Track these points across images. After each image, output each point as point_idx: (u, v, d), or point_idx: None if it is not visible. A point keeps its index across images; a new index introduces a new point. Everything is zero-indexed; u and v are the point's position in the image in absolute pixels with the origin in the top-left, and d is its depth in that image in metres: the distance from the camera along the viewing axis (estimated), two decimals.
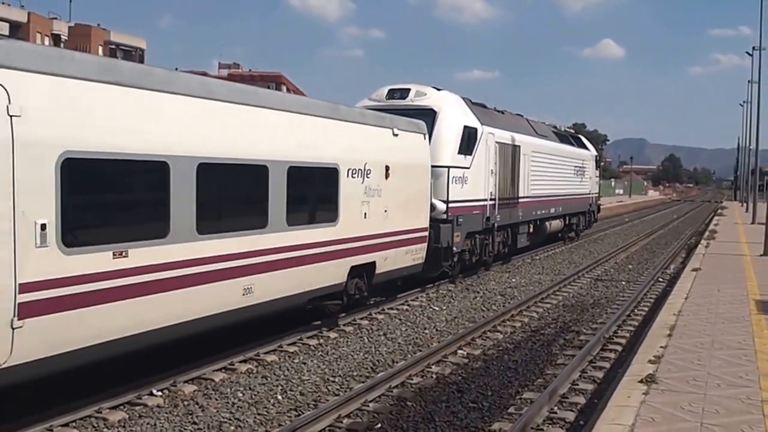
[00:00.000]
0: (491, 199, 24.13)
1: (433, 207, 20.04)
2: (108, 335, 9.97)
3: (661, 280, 24.99)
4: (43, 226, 8.96)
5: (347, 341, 15.08)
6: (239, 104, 12.61)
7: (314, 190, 15.06)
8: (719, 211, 71.89)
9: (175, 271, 10.99)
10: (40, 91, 9.04)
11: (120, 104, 10.17)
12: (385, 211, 17.07)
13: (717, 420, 8.57)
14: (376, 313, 17.64)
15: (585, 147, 40.26)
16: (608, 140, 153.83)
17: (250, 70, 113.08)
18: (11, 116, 8.62)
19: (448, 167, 20.90)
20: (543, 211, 30.65)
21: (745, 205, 76.16)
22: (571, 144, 36.98)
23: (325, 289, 15.11)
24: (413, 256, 18.73)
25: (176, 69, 13.67)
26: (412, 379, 12.56)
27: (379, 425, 10.34)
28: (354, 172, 15.80)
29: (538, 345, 15.47)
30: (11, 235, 8.61)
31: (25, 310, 8.80)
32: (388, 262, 17.37)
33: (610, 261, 30.65)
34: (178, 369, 12.02)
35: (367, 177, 16.29)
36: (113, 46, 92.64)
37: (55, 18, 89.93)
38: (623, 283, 24.50)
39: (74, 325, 9.46)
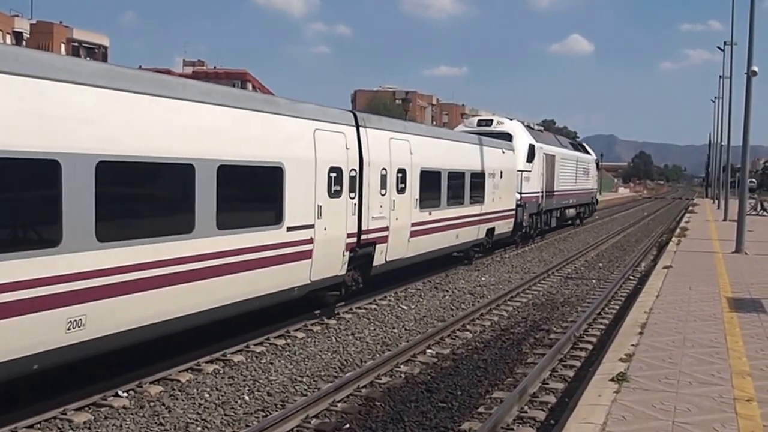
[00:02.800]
0: (541, 192, 36.04)
1: None
2: (426, 249, 21.89)
3: (632, 277, 25.33)
4: (416, 199, 20.70)
5: (315, 341, 15.18)
6: (460, 142, 25.92)
7: (475, 184, 26.15)
8: (690, 208, 72.65)
9: (438, 224, 22.56)
10: (417, 142, 20.92)
11: (433, 146, 22.74)
12: (500, 198, 28.94)
13: (689, 418, 8.75)
14: (344, 313, 17.75)
15: (588, 153, 54.12)
16: (578, 137, 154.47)
17: (215, 67, 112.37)
18: (411, 153, 20.33)
19: (521, 171, 32.61)
20: (565, 202, 42.93)
21: (716, 202, 77.01)
22: (579, 151, 50.74)
23: (477, 241, 27.22)
24: (508, 226, 30.62)
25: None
26: (380, 379, 12.70)
27: (348, 425, 10.45)
28: (490, 174, 27.70)
29: (508, 344, 15.65)
30: (410, 203, 20.32)
31: (411, 235, 20.50)
32: (499, 228, 29.33)
33: (581, 259, 31.00)
34: (144, 370, 12.05)
35: (493, 178, 28.12)
36: (76, 44, 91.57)
37: (17, 15, 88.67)
38: (594, 281, 24.83)
39: (418, 243, 21.06)
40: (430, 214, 21.71)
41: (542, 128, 46.71)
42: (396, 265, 20.02)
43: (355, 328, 16.53)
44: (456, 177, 24.17)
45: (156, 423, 10.31)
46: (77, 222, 9.77)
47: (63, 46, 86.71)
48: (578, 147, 52.31)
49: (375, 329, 16.58)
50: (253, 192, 14.19)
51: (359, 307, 18.46)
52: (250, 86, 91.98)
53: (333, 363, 13.72)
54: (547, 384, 12.55)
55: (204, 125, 12.44)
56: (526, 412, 11.11)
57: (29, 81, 9.21)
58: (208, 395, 11.55)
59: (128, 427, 10.09)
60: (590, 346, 15.25)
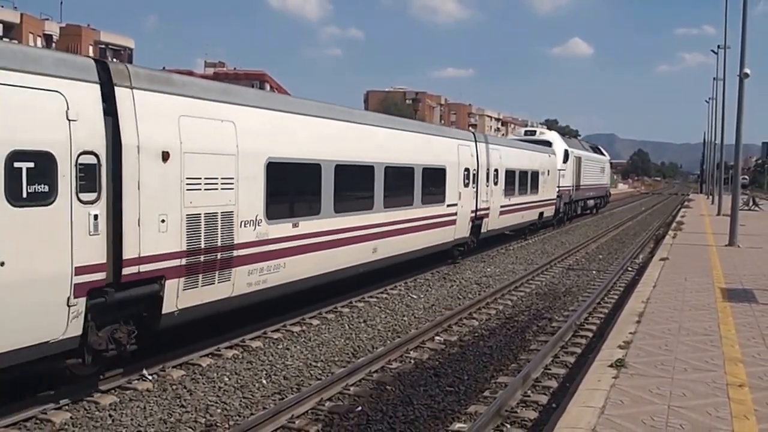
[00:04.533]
0: (572, 186, 43.95)
1: None
2: (507, 224, 30.07)
3: (630, 269, 25.24)
4: (503, 189, 28.25)
5: (329, 328, 15.18)
6: (526, 150, 33.44)
7: (534, 180, 33.48)
8: (686, 203, 72.36)
9: (514, 206, 29.93)
10: (503, 151, 28.96)
11: (511, 152, 30.37)
12: (547, 190, 36.37)
13: (684, 403, 8.74)
14: (356, 301, 17.75)
15: (603, 154, 61.91)
16: (579, 135, 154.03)
17: (234, 68, 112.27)
18: (500, 158, 27.87)
19: (559, 170, 39.91)
20: (587, 194, 51.02)
21: (710, 197, 76.67)
22: (597, 153, 58.37)
23: (533, 221, 34.71)
24: (551, 211, 38.09)
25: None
26: (391, 364, 12.71)
27: (360, 408, 10.45)
28: (542, 173, 35.28)
29: (512, 331, 15.62)
30: (500, 192, 28.01)
31: (500, 213, 28.06)
32: (546, 213, 36.78)
33: (581, 251, 30.91)
34: (167, 354, 12.09)
35: (544, 175, 35.48)
36: (103, 46, 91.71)
37: (47, 19, 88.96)
38: (594, 272, 24.74)
39: (504, 220, 28.96)
40: (509, 199, 29.23)
41: (546, 127, 54.44)
42: (492, 233, 27.80)
43: (367, 315, 16.53)
44: (523, 174, 31.62)
45: (178, 405, 10.34)
46: (378, 195, 17.78)
47: (90, 48, 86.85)
48: (596, 149, 60.02)
49: (386, 317, 16.58)
50: (433, 182, 21.48)
51: (371, 296, 18.46)
52: (268, 87, 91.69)
53: (346, 349, 13.73)
54: (549, 370, 12.55)
55: (418, 144, 20.70)
56: (529, 396, 11.11)
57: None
58: (227, 379, 11.58)
59: (152, 409, 10.12)
60: (590, 334, 15.22)
